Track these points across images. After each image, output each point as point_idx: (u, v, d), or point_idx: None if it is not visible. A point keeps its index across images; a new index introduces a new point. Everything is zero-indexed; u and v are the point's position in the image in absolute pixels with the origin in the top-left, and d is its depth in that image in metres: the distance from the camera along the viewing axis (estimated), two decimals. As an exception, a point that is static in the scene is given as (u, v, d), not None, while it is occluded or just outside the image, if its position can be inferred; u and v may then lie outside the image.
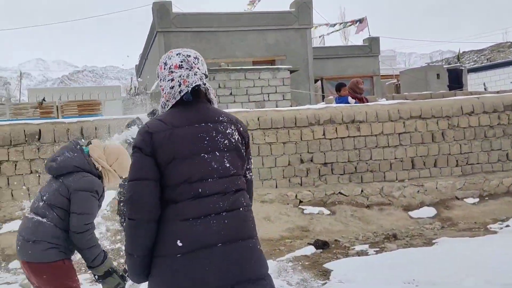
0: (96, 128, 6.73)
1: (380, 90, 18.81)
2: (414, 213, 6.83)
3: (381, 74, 25.17)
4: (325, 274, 4.58)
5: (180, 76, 1.88)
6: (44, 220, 2.58)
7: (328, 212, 6.75)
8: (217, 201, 1.78)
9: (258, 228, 2.00)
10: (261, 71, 11.95)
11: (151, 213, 1.77)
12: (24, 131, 6.59)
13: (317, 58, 17.68)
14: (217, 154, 1.83)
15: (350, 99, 7.67)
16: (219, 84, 11.74)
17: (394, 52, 45.46)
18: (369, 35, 20.22)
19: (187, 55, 1.92)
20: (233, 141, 1.88)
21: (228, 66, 12.80)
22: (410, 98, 9.85)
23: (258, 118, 7.14)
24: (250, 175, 1.99)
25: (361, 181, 7.27)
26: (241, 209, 1.83)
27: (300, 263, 4.99)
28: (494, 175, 7.36)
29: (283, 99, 12.02)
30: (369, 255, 5.23)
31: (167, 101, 1.91)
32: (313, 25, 16.21)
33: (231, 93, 11.72)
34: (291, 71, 12.50)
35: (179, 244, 1.72)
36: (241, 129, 1.94)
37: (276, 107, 10.96)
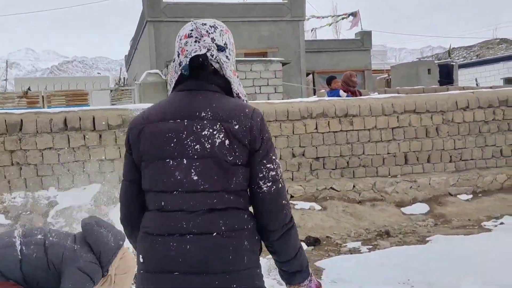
0: (80, 119, 6.48)
1: (371, 84, 18.72)
2: (406, 209, 6.70)
3: (372, 69, 25.13)
4: (317, 273, 4.42)
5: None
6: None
7: (320, 207, 6.59)
8: (180, 220, 1.41)
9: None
10: (253, 63, 11.75)
11: (125, 215, 1.59)
12: (5, 121, 6.32)
13: (309, 51, 17.54)
14: (184, 162, 1.44)
15: (341, 92, 7.51)
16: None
17: (385, 47, 45.55)
18: (361, 29, 20.08)
19: (202, 23, 1.55)
20: (209, 146, 1.42)
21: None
22: (402, 92, 9.70)
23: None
24: (267, 186, 1.46)
25: (353, 176, 7.13)
26: (215, 234, 1.39)
27: (291, 260, 4.83)
28: (488, 171, 7.25)
29: (275, 92, 11.85)
30: (362, 252, 5.10)
31: (170, 80, 1.60)
32: (305, 18, 15.97)
33: (221, 85, 11.50)
34: (283, 64, 12.31)
35: (141, 260, 1.48)
36: (238, 128, 1.44)
37: (268, 100, 10.78)
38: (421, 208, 6.72)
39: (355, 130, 7.13)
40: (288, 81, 14.35)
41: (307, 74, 17.70)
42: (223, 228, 1.41)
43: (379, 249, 5.15)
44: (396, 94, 7.62)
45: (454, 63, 19.39)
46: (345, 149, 7.12)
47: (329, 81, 7.92)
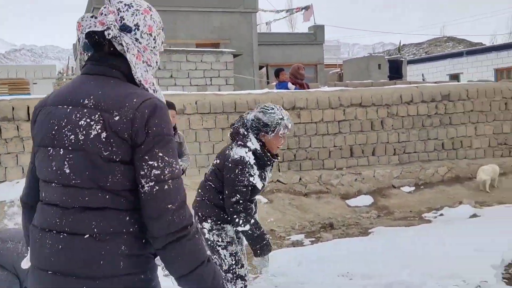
0: (13, 109, 6.08)
1: (323, 78, 18.93)
2: (351, 202, 6.76)
3: (325, 63, 25.43)
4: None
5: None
6: None
7: (266, 200, 6.53)
8: (55, 216, 1.29)
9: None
10: (204, 54, 11.52)
11: (22, 197, 1.50)
12: None
13: (263, 44, 17.50)
14: (61, 152, 1.30)
15: (290, 84, 7.47)
16: (158, 66, 11.19)
17: (339, 42, 46.30)
18: (314, 23, 20.22)
19: (119, 1, 1.38)
20: (82, 138, 1.27)
21: (170, 48, 12.28)
22: (351, 86, 9.82)
23: (196, 102, 6.76)
24: (148, 186, 1.27)
25: (300, 169, 7.12)
26: (87, 236, 1.26)
27: (233, 255, 4.73)
28: (430, 164, 7.45)
29: (226, 83, 11.68)
30: (304, 245, 5.07)
31: (80, 61, 1.46)
32: (258, 9, 15.86)
33: (171, 76, 11.22)
34: (235, 55, 12.15)
35: (29, 251, 1.40)
36: (118, 119, 1.26)
37: (219, 91, 10.61)
38: (365, 200, 6.80)
39: (303, 123, 7.12)
40: (240, 73, 14.22)
41: (261, 67, 17.64)
42: (95, 230, 1.26)
43: (322, 241, 5.14)
44: (343, 88, 7.66)
45: (403, 59, 19.93)
46: (292, 142, 7.09)
47: (277, 73, 7.86)
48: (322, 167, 7.15)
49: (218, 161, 2.77)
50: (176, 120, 4.31)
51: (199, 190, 2.87)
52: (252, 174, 2.64)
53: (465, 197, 6.76)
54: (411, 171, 7.24)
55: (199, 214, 2.76)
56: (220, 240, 2.70)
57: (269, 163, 2.73)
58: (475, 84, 8.34)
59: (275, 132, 2.64)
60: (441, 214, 6.15)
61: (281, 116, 2.65)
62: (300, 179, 6.95)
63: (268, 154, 2.71)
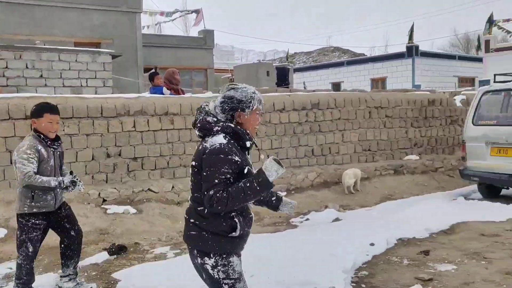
0: None
1: (213, 83, 18.94)
2: (224, 209, 6.72)
3: (218, 68, 25.52)
4: (112, 285, 4.08)
5: None
6: None
7: (135, 210, 6.22)
8: None
9: None
10: (79, 53, 10.78)
11: None
12: None
13: (151, 45, 17.05)
14: None
15: (165, 89, 7.25)
16: (26, 64, 10.24)
17: (233, 47, 46.92)
18: (204, 28, 20.17)
19: None
20: None
21: (44, 45, 11.31)
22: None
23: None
24: None
25: (173, 176, 6.92)
26: None
27: (86, 274, 4.38)
28: (301, 170, 7.72)
29: (104, 85, 11.06)
30: (167, 258, 4.88)
31: None
32: (142, 10, 15.35)
33: (41, 76, 10.33)
34: (114, 56, 11.56)
35: None
36: None
37: (96, 94, 9.99)
38: (238, 207, 6.80)
39: (176, 129, 6.94)
40: (124, 75, 13.61)
41: (148, 70, 17.11)
42: None
43: (187, 253, 4.99)
44: (214, 94, 7.61)
45: (290, 67, 20.75)
46: (165, 149, 6.88)
47: (152, 77, 7.60)
48: (196, 175, 7.02)
49: (194, 163, 2.31)
50: (58, 127, 3.79)
51: (187, 217, 2.39)
52: (237, 160, 2.25)
53: (331, 201, 7.10)
54: (282, 177, 7.42)
55: (197, 249, 2.33)
56: (226, 277, 2.32)
57: (249, 142, 2.36)
58: (342, 93, 8.84)
59: (251, 107, 2.34)
60: (307, 219, 6.36)
61: (253, 91, 2.38)
62: (173, 187, 6.75)
63: (247, 132, 2.36)
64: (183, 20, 35.91)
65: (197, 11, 20.85)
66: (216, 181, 2.18)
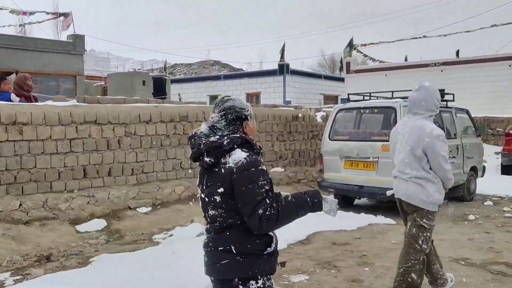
0: None
1: (84, 90, 17.83)
2: (81, 227, 6.22)
3: (91, 75, 24.12)
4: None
5: None
6: None
7: (-30, 233, 5.43)
8: None
9: None
10: None
11: None
12: None
13: (10, 47, 15.54)
14: None
15: (13, 96, 6.51)
16: None
17: (109, 54, 44.89)
18: (74, 32, 18.93)
19: None
20: None
21: None
22: (103, 101, 9.31)
23: None
24: None
25: (22, 193, 6.22)
26: None
27: None
28: (168, 183, 7.51)
29: None
30: (5, 286, 4.31)
31: None
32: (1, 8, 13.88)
33: None
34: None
35: None
36: None
37: None
38: (97, 224, 6.36)
39: (26, 140, 6.27)
40: (-26, 78, 12.06)
41: (9, 74, 15.47)
42: None
43: (30, 279, 4.48)
44: (76, 103, 7.09)
45: (167, 78, 20.44)
46: (12, 162, 6.16)
47: (-2, 82, 6.77)
48: (50, 190, 6.41)
49: (222, 189, 2.05)
50: None
51: (212, 247, 2.12)
52: (265, 168, 2.10)
53: (198, 215, 7.00)
54: (148, 191, 7.15)
55: (238, 277, 2.07)
56: None
57: (261, 151, 2.21)
58: (209, 106, 8.87)
59: (251, 114, 2.23)
60: (171, 235, 6.17)
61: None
62: (20, 204, 6.05)
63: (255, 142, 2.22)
64: (54, 24, 33.46)
65: (65, 15, 19.52)
66: (259, 197, 2.00)
